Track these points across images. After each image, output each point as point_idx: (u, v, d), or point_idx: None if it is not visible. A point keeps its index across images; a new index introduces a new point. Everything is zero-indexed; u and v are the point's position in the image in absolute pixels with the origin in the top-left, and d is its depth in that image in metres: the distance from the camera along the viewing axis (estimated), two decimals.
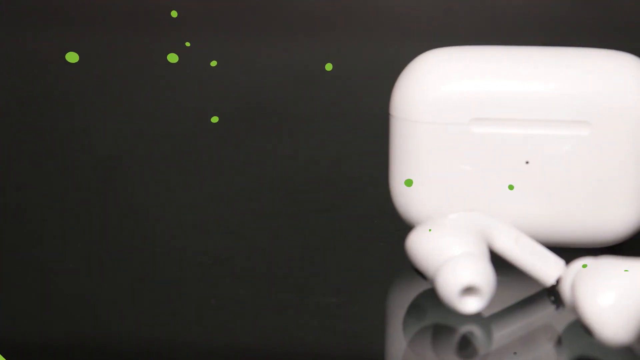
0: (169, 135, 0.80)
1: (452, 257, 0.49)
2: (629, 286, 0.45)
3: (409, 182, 0.53)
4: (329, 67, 0.66)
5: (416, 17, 1.01)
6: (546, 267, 0.52)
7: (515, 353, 0.49)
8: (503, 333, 0.50)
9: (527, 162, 0.54)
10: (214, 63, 0.88)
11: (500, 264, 0.52)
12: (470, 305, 0.48)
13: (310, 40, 1.00)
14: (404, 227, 0.54)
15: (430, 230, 0.50)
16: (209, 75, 0.95)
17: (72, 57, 0.72)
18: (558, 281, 0.51)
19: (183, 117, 0.85)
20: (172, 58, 0.78)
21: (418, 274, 0.52)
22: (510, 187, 0.54)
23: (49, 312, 0.52)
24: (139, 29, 1.03)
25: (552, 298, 0.52)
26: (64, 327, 0.51)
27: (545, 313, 0.52)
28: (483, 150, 0.54)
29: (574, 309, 0.46)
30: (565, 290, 0.48)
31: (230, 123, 0.83)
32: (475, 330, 0.50)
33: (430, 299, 0.51)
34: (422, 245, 0.51)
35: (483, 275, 0.48)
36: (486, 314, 0.51)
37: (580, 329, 0.46)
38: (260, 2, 1.04)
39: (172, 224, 0.63)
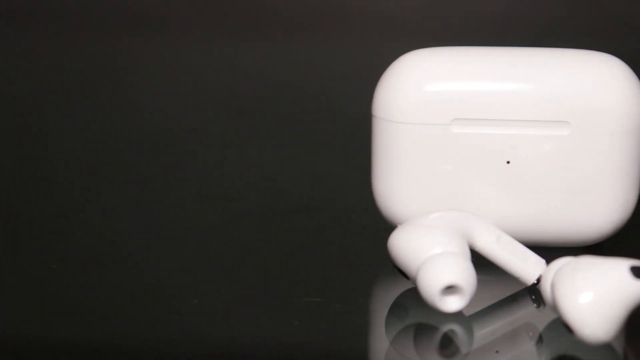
0: (153, 136, 0.80)
1: (433, 256, 0.49)
2: (608, 285, 0.45)
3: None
4: None
5: (397, 18, 1.01)
6: (527, 266, 0.52)
7: (497, 352, 0.49)
8: (484, 332, 0.50)
9: (507, 162, 0.55)
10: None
11: (481, 263, 0.52)
12: (452, 304, 0.48)
13: (293, 42, 1.00)
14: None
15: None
16: (193, 77, 0.95)
17: None
18: (539, 280, 0.52)
19: (168, 118, 0.85)
20: None
21: (400, 273, 0.52)
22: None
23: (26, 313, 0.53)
24: (121, 30, 1.03)
25: (533, 297, 0.53)
26: (41, 329, 0.51)
27: (526, 312, 0.52)
28: (464, 150, 0.55)
29: (554, 308, 0.47)
30: (546, 289, 0.48)
31: (214, 124, 0.83)
32: (457, 329, 0.50)
33: (412, 298, 0.51)
34: (403, 245, 0.51)
35: (464, 275, 0.48)
36: (468, 313, 0.51)
37: (560, 327, 0.47)
38: (242, 4, 1.04)
39: (156, 223, 0.63)
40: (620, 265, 0.46)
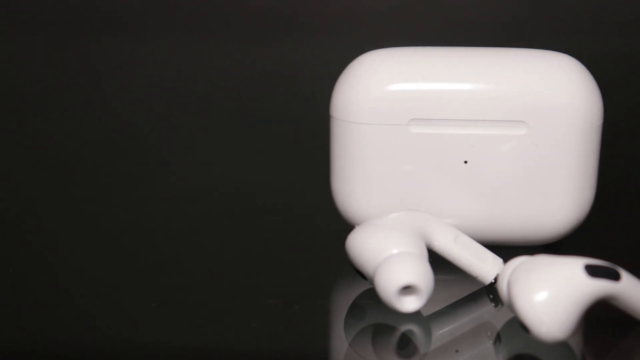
0: (114, 136, 0.80)
1: (390, 257, 0.49)
2: (563, 284, 0.45)
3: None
4: None
5: (354, 19, 1.01)
6: (485, 266, 0.52)
7: (457, 351, 0.49)
8: (443, 331, 0.50)
9: (465, 162, 0.55)
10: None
11: (439, 263, 0.52)
12: (409, 304, 0.48)
13: (251, 43, 0.99)
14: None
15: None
16: (153, 78, 0.95)
17: None
18: (496, 279, 0.52)
19: (128, 118, 0.84)
20: None
21: (358, 274, 0.52)
22: None
23: None
24: (88, 29, 1.03)
25: (491, 296, 0.53)
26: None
27: (484, 311, 0.52)
28: (422, 151, 0.55)
29: (510, 307, 0.47)
30: (503, 288, 0.49)
31: (173, 125, 0.83)
32: (415, 329, 0.50)
33: (371, 298, 0.51)
34: (361, 246, 0.51)
35: (421, 275, 0.48)
36: (426, 313, 0.51)
37: (518, 326, 0.47)
38: (208, 4, 1.03)
39: (117, 225, 0.63)
40: (575, 264, 0.46)
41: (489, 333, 0.51)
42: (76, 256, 0.59)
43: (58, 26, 1.03)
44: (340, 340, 0.51)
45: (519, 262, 0.48)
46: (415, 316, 0.50)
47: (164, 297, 0.54)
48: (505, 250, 0.53)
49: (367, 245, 0.51)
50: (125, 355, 0.49)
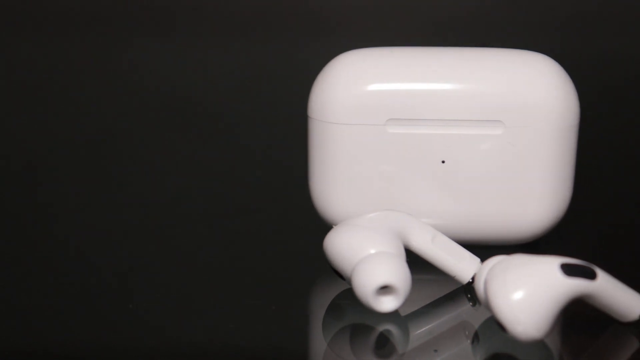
0: (88, 138, 0.79)
1: (368, 257, 0.49)
2: (539, 283, 0.45)
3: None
4: None
5: (332, 19, 1.01)
6: (462, 265, 0.53)
7: (435, 350, 0.49)
8: (421, 331, 0.51)
9: (443, 162, 0.55)
10: None
11: (417, 262, 0.52)
12: (387, 304, 0.48)
13: (230, 43, 0.99)
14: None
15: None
16: (125, 79, 0.94)
17: None
18: (473, 279, 0.52)
19: (102, 120, 0.84)
20: None
21: (336, 274, 0.52)
22: None
23: None
24: (54, 30, 1.02)
25: (469, 295, 0.53)
26: None
27: (462, 310, 0.52)
28: (399, 151, 0.55)
29: (487, 306, 0.47)
30: (480, 287, 0.49)
31: (149, 126, 0.83)
32: (393, 329, 0.50)
33: (349, 298, 0.51)
34: (338, 246, 0.51)
35: (398, 274, 0.48)
36: (404, 313, 0.51)
37: (495, 325, 0.47)
38: (180, 3, 1.03)
39: (94, 228, 0.63)
40: (551, 263, 0.46)
41: (467, 332, 0.51)
42: (46, 259, 0.59)
43: (20, 26, 1.03)
44: (319, 340, 0.51)
45: (496, 261, 0.48)
46: (393, 316, 0.50)
47: (140, 298, 0.54)
48: (483, 249, 0.54)
49: (344, 246, 0.51)
50: (101, 354, 0.49)
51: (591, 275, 0.47)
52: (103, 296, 0.54)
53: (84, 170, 0.72)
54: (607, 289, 0.48)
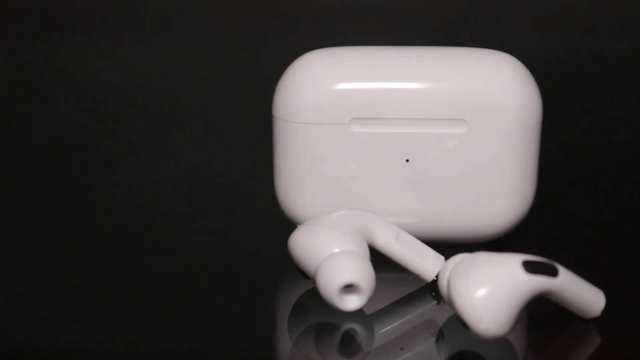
0: (60, 139, 0.79)
1: (331, 256, 0.49)
2: (501, 280, 0.46)
3: None
4: None
5: (296, 18, 1.01)
6: (426, 264, 0.53)
7: (401, 349, 0.49)
8: (385, 330, 0.51)
9: (407, 160, 0.55)
10: None
11: (381, 261, 0.53)
12: (351, 302, 0.49)
13: (195, 42, 0.99)
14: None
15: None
16: (97, 79, 0.94)
17: None
18: (438, 277, 0.52)
19: (71, 121, 0.84)
20: None
21: (301, 273, 0.52)
22: None
23: None
24: (34, 29, 1.02)
25: (433, 293, 0.53)
26: None
27: (427, 308, 0.53)
28: (364, 150, 0.55)
29: (451, 304, 0.47)
30: (443, 285, 0.49)
31: (117, 126, 0.82)
32: (358, 328, 0.50)
33: (314, 298, 0.51)
34: (302, 245, 0.51)
35: (362, 273, 0.48)
36: (369, 312, 0.51)
37: (459, 323, 0.47)
38: (149, 4, 1.03)
39: (61, 228, 0.62)
40: (513, 261, 0.46)
41: (432, 330, 0.51)
42: (21, 260, 0.58)
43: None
44: (284, 340, 0.51)
45: (459, 259, 0.48)
46: (358, 315, 0.50)
47: (103, 299, 0.54)
48: (448, 248, 0.54)
49: (308, 245, 0.51)
50: (63, 356, 0.49)
51: (553, 273, 0.47)
52: (65, 297, 0.54)
53: (59, 171, 0.72)
54: (569, 285, 0.48)
